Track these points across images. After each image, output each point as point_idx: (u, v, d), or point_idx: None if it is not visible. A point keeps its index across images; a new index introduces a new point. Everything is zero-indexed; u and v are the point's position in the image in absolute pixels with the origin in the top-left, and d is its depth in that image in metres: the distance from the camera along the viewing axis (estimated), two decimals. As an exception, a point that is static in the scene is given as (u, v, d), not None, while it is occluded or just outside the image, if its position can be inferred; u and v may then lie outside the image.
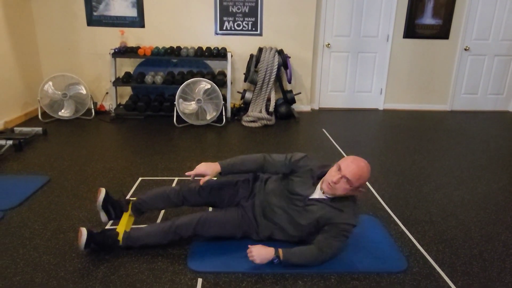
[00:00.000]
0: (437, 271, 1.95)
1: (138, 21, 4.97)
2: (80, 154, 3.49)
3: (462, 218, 2.51)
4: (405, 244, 2.19)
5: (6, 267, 1.88)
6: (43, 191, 2.72)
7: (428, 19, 5.37)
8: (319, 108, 5.66)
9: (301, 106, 5.49)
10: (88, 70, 5.11)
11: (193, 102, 4.48)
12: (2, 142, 3.51)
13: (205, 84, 4.45)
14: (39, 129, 4.01)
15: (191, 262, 1.93)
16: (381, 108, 5.73)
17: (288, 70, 4.92)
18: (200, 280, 1.82)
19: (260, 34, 5.13)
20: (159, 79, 4.70)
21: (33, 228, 2.24)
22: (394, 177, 3.15)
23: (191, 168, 3.11)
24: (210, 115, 4.56)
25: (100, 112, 5.03)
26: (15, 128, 4.01)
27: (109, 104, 5.13)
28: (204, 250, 2.03)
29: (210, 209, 2.39)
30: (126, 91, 5.24)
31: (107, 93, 5.18)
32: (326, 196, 1.92)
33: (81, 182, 2.90)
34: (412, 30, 5.40)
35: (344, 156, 3.60)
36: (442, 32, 5.44)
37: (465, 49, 5.52)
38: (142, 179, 2.96)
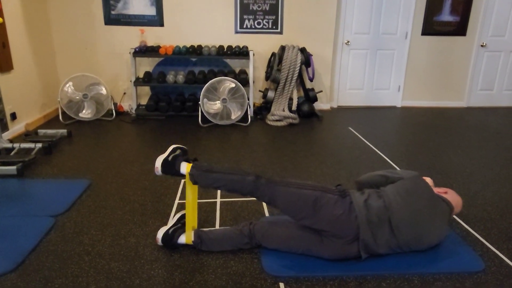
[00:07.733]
0: (515, 269, 1.92)
1: (157, 20, 4.87)
2: (112, 156, 3.39)
3: (519, 215, 2.50)
4: (473, 243, 2.16)
5: (77, 275, 1.79)
6: (87, 195, 2.62)
7: (446, 16, 5.38)
8: (338, 106, 5.63)
9: (320, 104, 5.45)
10: (104, 70, 4.99)
11: (218, 101, 4.41)
12: (31, 145, 3.39)
13: (229, 83, 4.38)
14: (64, 131, 3.89)
15: (267, 266, 1.87)
16: (398, 105, 5.72)
17: (310, 68, 4.87)
18: (282, 285, 1.76)
19: (281, 32, 5.07)
20: (180, 78, 4.61)
21: (91, 234, 2.16)
22: (437, 175, 3.13)
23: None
24: (235, 115, 4.49)
25: (119, 113, 4.92)
26: (38, 131, 3.89)
27: (128, 105, 5.03)
28: (276, 253, 1.97)
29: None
30: (144, 91, 5.13)
31: (124, 93, 5.07)
32: None
33: (123, 184, 2.81)
34: (430, 27, 5.40)
35: (379, 154, 3.58)
36: (459, 28, 5.46)
37: (482, 46, 5.54)
38: (184, 181, 2.88)
